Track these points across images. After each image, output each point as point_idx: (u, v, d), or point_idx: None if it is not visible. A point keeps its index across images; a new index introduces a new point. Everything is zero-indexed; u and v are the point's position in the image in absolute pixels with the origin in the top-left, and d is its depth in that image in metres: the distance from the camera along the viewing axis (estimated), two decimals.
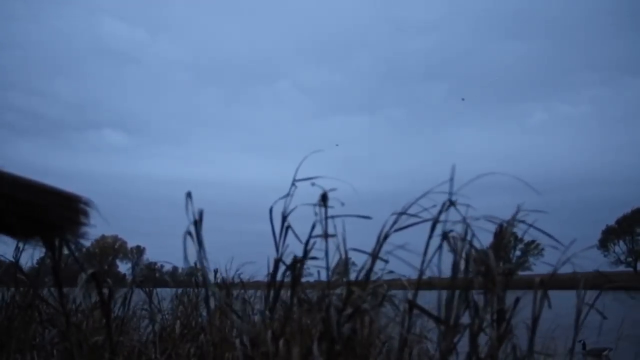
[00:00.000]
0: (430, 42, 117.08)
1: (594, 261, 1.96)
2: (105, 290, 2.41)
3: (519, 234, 1.90)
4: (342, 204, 1.71)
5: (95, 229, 2.39)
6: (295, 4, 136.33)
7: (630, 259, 71.04)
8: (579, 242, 1.78)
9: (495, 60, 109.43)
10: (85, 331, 2.74)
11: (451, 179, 1.59)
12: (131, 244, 79.22)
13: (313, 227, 1.71)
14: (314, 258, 1.72)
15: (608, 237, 71.69)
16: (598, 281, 2.11)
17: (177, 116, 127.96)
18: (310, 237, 1.71)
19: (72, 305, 3.29)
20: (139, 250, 79.10)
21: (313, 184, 1.74)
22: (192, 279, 4.68)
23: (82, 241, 2.39)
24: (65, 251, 2.41)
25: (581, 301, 1.77)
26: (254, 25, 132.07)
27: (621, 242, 72.08)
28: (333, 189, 1.71)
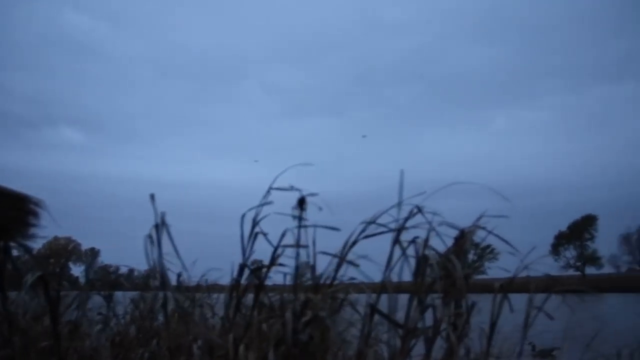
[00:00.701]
0: (401, 45, 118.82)
1: (546, 266, 2.03)
2: (54, 294, 2.32)
3: (478, 239, 1.94)
4: (320, 209, 1.71)
5: (46, 230, 2.29)
6: (266, 1, 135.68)
7: (579, 264, 74.07)
8: (534, 246, 1.84)
9: (464, 64, 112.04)
10: (32, 336, 2.63)
11: (400, 185, 1.61)
12: (86, 245, 76.84)
13: (283, 235, 1.71)
14: (281, 265, 1.72)
15: (560, 242, 74.54)
16: (548, 285, 2.18)
17: (139, 114, 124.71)
18: (279, 245, 1.71)
19: (21, 309, 3.15)
20: (94, 252, 76.82)
21: (292, 188, 1.73)
22: (149, 282, 4.57)
23: (31, 243, 2.29)
24: (15, 253, 2.31)
25: (530, 304, 1.82)
26: (222, 22, 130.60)
27: (572, 248, 75.10)
28: (313, 194, 1.70)
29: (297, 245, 1.67)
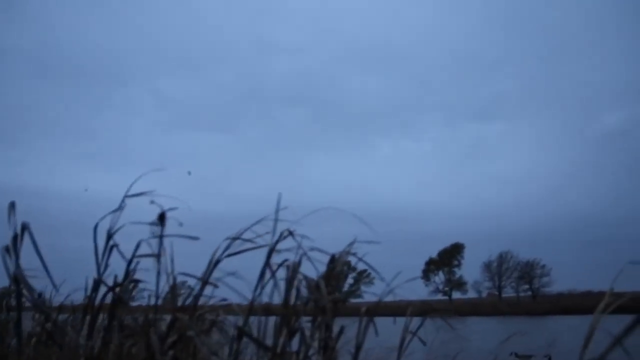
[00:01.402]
0: (293, 66, 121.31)
1: (416, 291, 2.16)
2: None
3: (353, 265, 2.02)
4: (181, 224, 1.64)
5: None
6: (159, 8, 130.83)
7: (447, 289, 79.89)
8: (407, 271, 1.96)
9: (353, 91, 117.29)
10: None
11: (277, 208, 1.62)
12: None
13: (138, 246, 1.61)
14: (137, 281, 1.62)
15: (430, 268, 79.89)
16: (421, 309, 2.33)
17: (5, 111, 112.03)
18: (133, 256, 1.61)
19: None
20: None
21: (152, 202, 1.64)
22: (2, 302, 4.10)
23: None
24: None
25: (405, 329, 1.92)
26: (111, 23, 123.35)
27: (441, 273, 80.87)
28: (173, 208, 1.63)
29: (154, 255, 1.58)
